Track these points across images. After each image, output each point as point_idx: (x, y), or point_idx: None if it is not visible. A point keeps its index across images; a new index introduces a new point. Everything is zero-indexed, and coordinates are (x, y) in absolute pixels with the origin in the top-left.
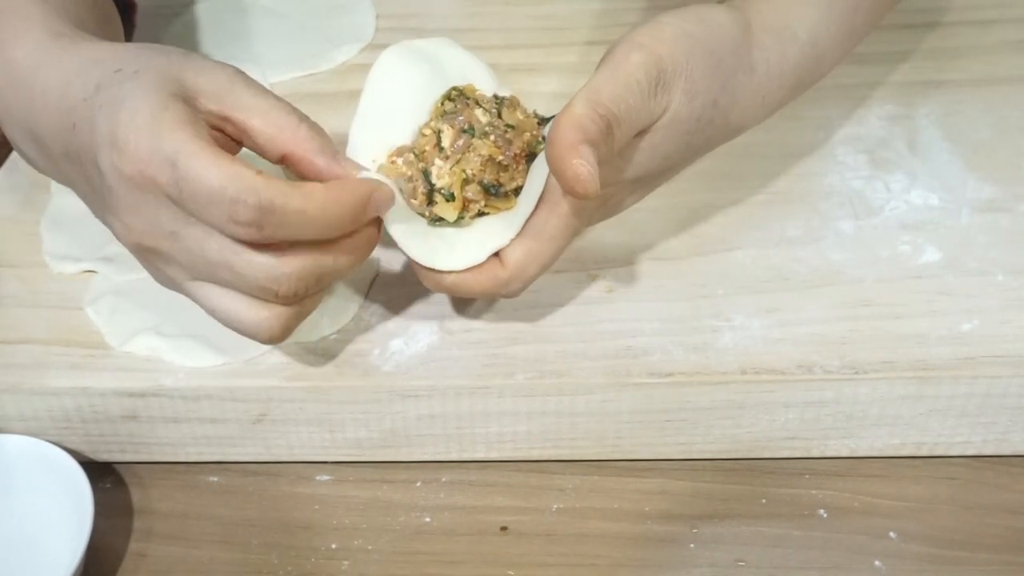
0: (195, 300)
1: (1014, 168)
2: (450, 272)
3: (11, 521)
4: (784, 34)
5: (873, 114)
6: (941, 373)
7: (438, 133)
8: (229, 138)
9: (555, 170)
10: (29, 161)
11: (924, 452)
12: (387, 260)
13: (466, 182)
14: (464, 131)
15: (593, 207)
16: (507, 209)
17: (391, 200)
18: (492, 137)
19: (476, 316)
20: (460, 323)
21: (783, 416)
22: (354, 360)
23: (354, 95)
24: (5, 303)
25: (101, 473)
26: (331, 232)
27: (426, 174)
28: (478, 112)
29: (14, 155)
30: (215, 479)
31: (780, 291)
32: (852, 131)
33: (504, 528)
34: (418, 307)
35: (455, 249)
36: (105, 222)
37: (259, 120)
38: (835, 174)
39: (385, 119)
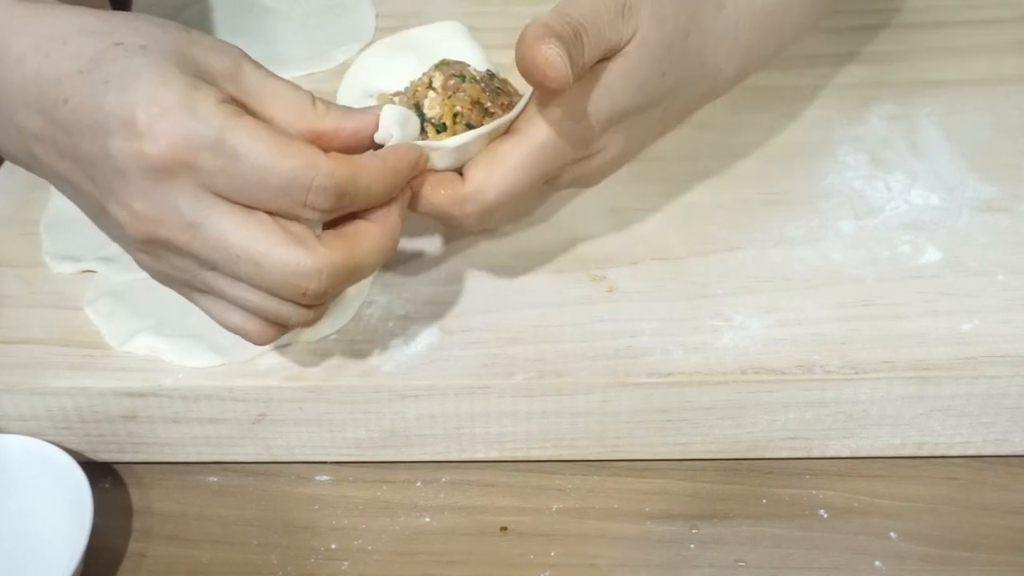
0: (205, 297)
1: (1014, 168)
2: (418, 181)
3: (11, 521)
4: None
5: (873, 114)
6: (941, 373)
7: (430, 78)
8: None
9: (524, 64)
10: None
11: (924, 452)
12: (386, 261)
13: (455, 116)
14: (455, 76)
15: (569, 146)
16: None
17: (425, 163)
18: (481, 85)
19: (476, 316)
20: (460, 323)
21: (783, 416)
22: (354, 360)
23: None
24: (5, 303)
25: (101, 473)
26: (385, 199)
27: (418, 107)
28: (474, 69)
29: None
30: (215, 479)
31: (780, 291)
32: (852, 131)
33: (504, 528)
34: (418, 307)
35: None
36: (100, 210)
37: (276, 105)
38: (835, 174)
39: (373, 83)
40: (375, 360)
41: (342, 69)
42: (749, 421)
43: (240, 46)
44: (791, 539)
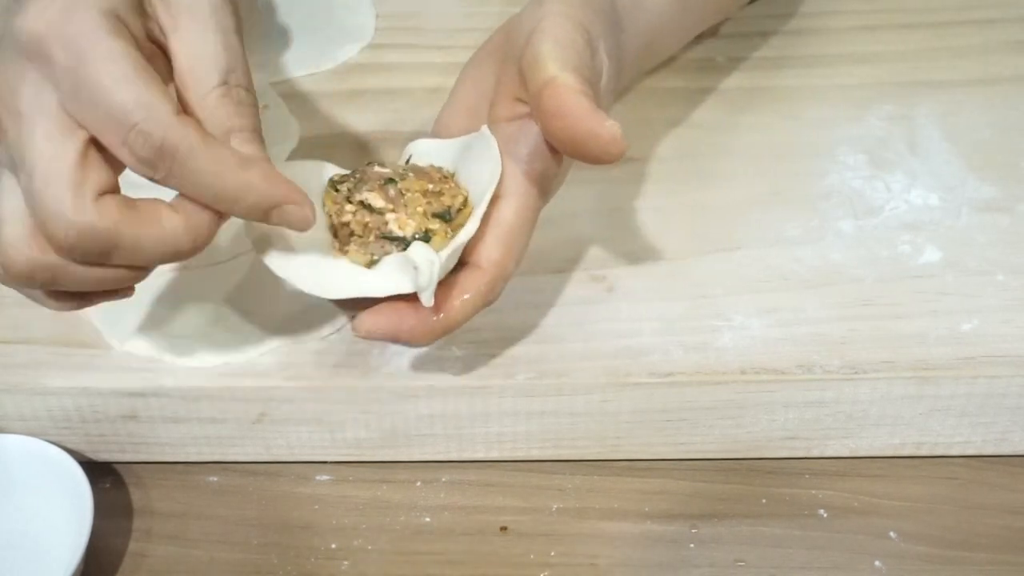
0: None
1: (1014, 168)
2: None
3: (11, 521)
4: None
5: (873, 114)
6: (941, 373)
7: (360, 204)
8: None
9: (583, 137)
10: None
11: (924, 452)
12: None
13: (424, 214)
14: (388, 182)
15: (559, 178)
16: (462, 226)
17: (305, 224)
18: (411, 174)
19: (476, 316)
20: None
21: (783, 416)
22: (354, 360)
23: (354, 95)
24: (5, 303)
25: (101, 473)
26: (223, 207)
27: (388, 237)
28: (377, 169)
29: None
30: (215, 479)
31: (780, 291)
32: (852, 131)
33: (504, 528)
34: None
35: (376, 275)
36: None
37: (186, 60)
38: (835, 174)
39: None
40: (375, 360)
41: (342, 69)
42: (749, 421)
43: (240, 46)
44: (791, 539)
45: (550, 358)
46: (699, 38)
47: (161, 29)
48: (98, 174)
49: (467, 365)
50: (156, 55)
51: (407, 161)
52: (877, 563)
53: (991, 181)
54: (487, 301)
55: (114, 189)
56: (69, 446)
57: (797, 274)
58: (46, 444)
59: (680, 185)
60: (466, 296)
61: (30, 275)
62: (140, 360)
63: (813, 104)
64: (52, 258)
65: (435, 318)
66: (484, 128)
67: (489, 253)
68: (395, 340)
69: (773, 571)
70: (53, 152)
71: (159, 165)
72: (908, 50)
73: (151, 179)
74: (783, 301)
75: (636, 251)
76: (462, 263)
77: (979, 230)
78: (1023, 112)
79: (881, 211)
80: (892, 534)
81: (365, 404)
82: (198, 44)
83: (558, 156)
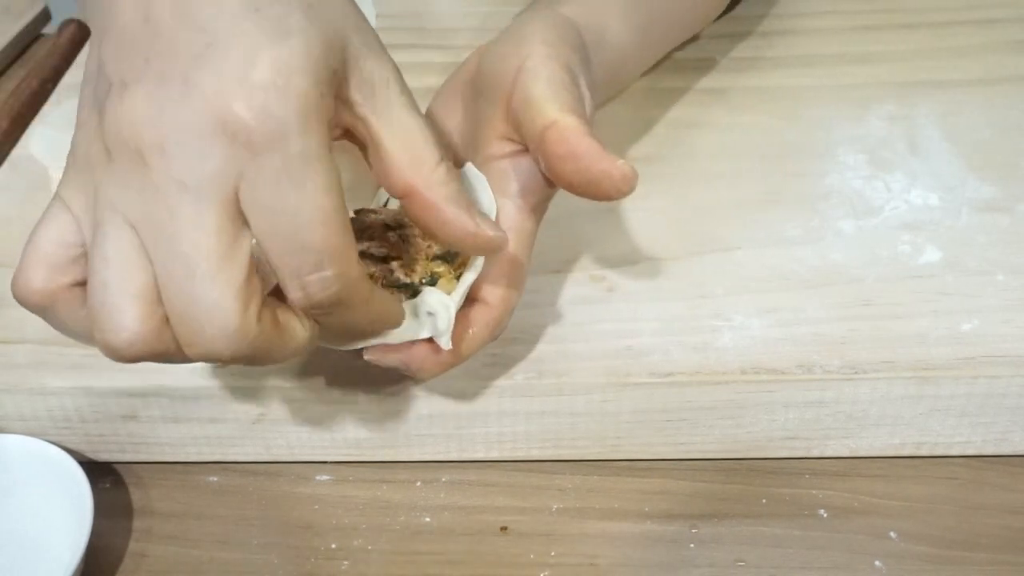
0: (97, 234)
1: (1014, 168)
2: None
3: (11, 521)
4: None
5: (873, 114)
6: (941, 373)
7: (361, 254)
8: (348, 137)
9: (596, 178)
10: None
11: (924, 452)
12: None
13: (427, 259)
14: (386, 229)
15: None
16: (464, 264)
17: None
18: (407, 218)
19: None
20: None
21: (783, 416)
22: (354, 360)
23: None
24: (5, 303)
25: (101, 473)
26: (354, 339)
27: (395, 285)
28: (372, 216)
29: (14, 155)
30: (215, 479)
31: (780, 291)
32: (852, 131)
33: (504, 528)
34: None
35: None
36: (114, 79)
37: (398, 141)
38: (835, 174)
39: None
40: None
41: None
42: (749, 421)
43: None
44: (791, 539)
45: (550, 358)
46: (695, 39)
47: (357, 114)
48: (259, 286)
49: (467, 365)
50: (338, 147)
51: (386, 203)
52: (877, 563)
53: (991, 181)
54: (494, 336)
55: (262, 297)
56: (69, 446)
57: (797, 274)
58: (46, 444)
59: (680, 185)
60: (473, 330)
61: (139, 359)
62: None
63: (813, 104)
64: (173, 348)
65: (444, 356)
66: (469, 165)
67: (493, 289)
68: (404, 370)
69: (773, 571)
70: (222, 255)
71: (327, 309)
72: (908, 50)
73: (306, 312)
74: (783, 301)
75: (636, 251)
76: (467, 299)
77: (979, 230)
78: (1023, 112)
79: (881, 211)
80: (892, 534)
81: (365, 404)
82: (406, 124)
83: (553, 186)
